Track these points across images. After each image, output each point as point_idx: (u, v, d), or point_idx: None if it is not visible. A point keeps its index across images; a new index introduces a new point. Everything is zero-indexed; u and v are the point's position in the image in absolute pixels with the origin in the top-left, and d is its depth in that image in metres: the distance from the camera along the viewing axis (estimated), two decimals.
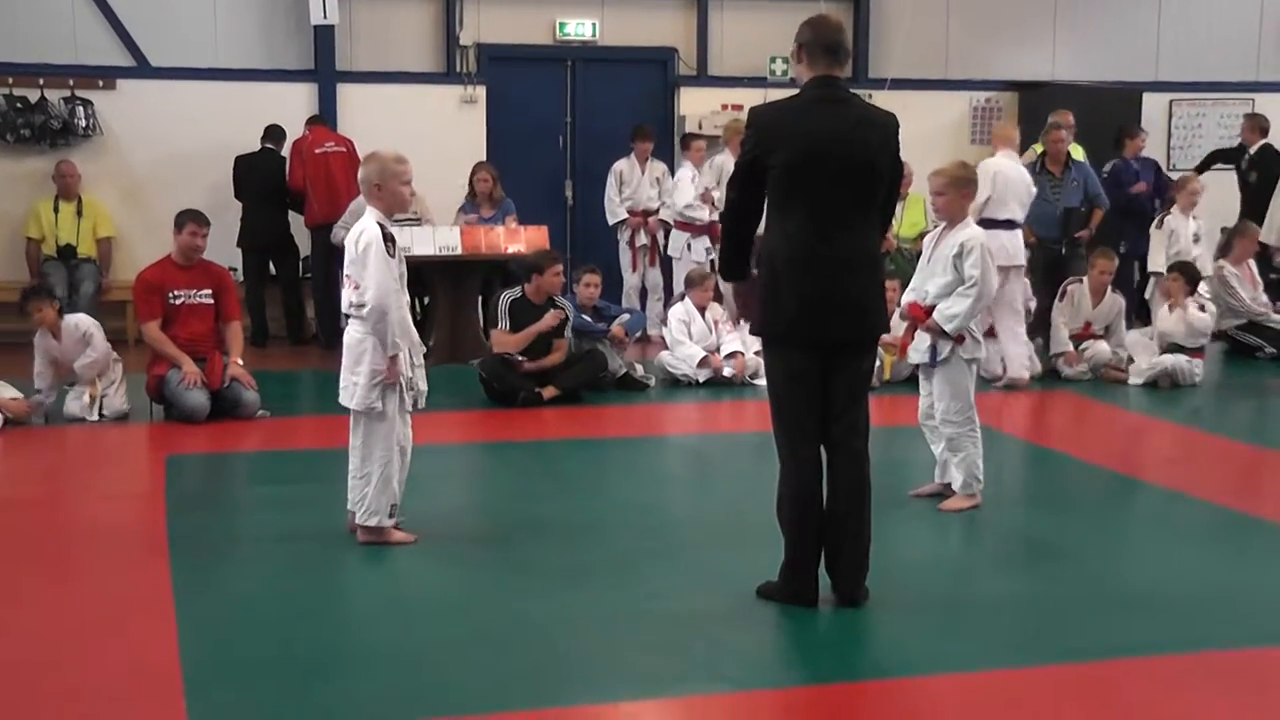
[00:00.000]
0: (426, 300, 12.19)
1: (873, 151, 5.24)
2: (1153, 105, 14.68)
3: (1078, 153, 12.44)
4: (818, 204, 5.18)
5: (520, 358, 9.81)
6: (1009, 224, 10.51)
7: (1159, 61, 14.95)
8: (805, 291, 5.20)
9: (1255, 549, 6.49)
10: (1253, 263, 12.38)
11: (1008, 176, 10.59)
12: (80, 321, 9.45)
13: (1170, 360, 10.58)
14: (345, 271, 6.31)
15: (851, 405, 5.33)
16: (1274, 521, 6.87)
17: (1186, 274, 10.92)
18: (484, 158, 13.13)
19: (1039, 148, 12.15)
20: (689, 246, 12.53)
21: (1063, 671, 4.84)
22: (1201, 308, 10.77)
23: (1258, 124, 13.45)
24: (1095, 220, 11.96)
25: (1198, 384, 10.65)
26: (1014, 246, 10.52)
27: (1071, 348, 10.87)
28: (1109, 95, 14.17)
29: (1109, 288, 11.04)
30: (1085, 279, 11.04)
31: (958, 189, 6.79)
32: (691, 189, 12.44)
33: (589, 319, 10.49)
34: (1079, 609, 5.49)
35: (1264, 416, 10.38)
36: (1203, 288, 11.07)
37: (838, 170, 5.17)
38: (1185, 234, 11.72)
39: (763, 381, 10.33)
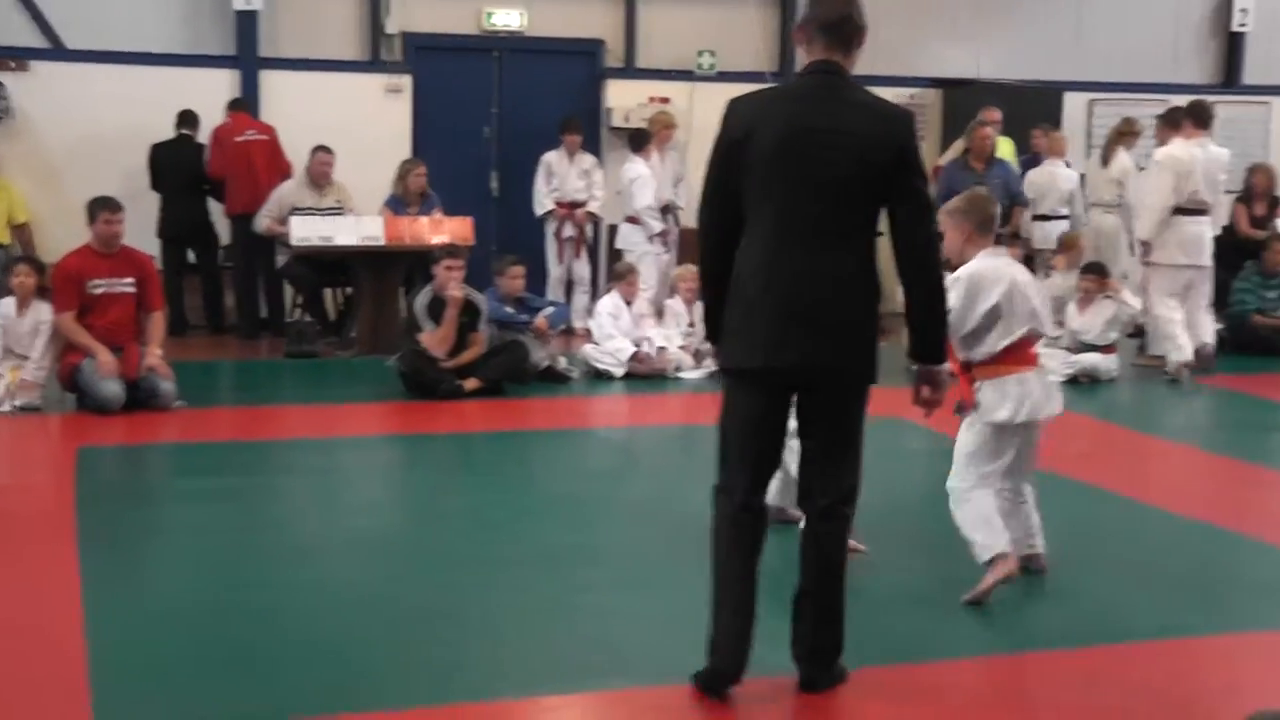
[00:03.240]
0: (349, 291, 12.09)
1: (865, 146, 4.30)
2: (1073, 104, 14.83)
3: (1006, 149, 12.54)
4: (792, 204, 4.32)
5: (442, 357, 9.72)
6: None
7: (1080, 62, 15.10)
8: (767, 308, 4.33)
9: (1157, 539, 6.59)
10: None
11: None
12: (45, 310, 9.30)
13: (1088, 359, 10.72)
14: None
15: (831, 457, 4.45)
16: (1169, 511, 7.00)
17: (1098, 272, 11.08)
18: (409, 147, 13.04)
19: (962, 144, 12.24)
20: (649, 240, 12.34)
21: (975, 665, 4.90)
22: (1131, 309, 10.93)
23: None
24: (1016, 218, 12.05)
25: (1115, 379, 10.78)
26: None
27: None
28: (1031, 94, 14.30)
29: None
30: None
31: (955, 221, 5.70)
32: (651, 189, 12.27)
33: (512, 311, 10.42)
34: (994, 603, 5.52)
35: (1174, 410, 10.52)
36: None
37: (818, 164, 4.29)
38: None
39: (688, 374, 10.46)
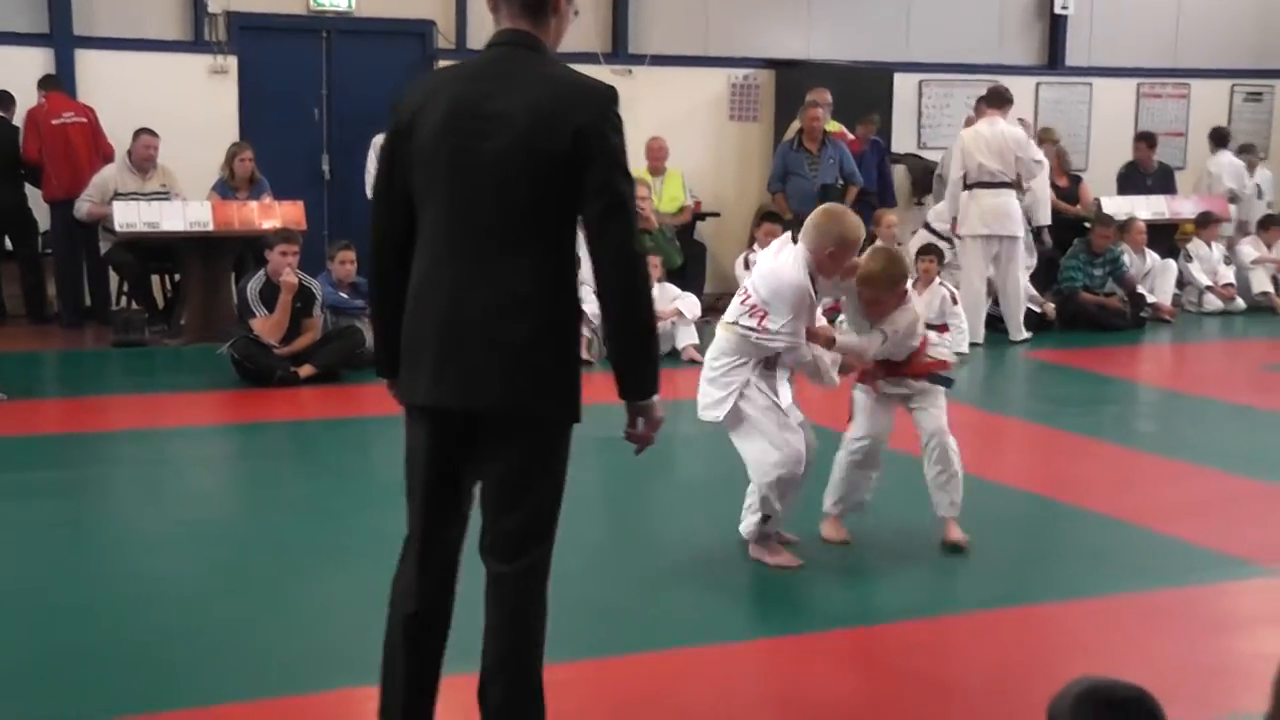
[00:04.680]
0: (177, 277, 11.81)
1: (534, 130, 3.43)
2: (903, 85, 15.05)
3: (834, 129, 12.73)
4: (453, 205, 3.53)
5: (276, 344, 9.54)
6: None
7: (909, 42, 15.34)
8: (425, 334, 3.56)
9: (990, 511, 6.71)
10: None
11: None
12: None
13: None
14: (752, 291, 5.58)
15: (507, 513, 3.58)
16: (1006, 484, 7.14)
17: (938, 255, 11.31)
18: (236, 130, 12.73)
19: (797, 125, 12.37)
20: None
21: (808, 640, 4.96)
22: (954, 298, 11.15)
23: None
24: (850, 197, 12.24)
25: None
26: None
27: (826, 323, 11.09)
28: (862, 74, 14.47)
29: None
30: None
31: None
32: None
33: (345, 296, 10.27)
34: (819, 577, 5.58)
35: (1007, 386, 10.77)
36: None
37: (479, 155, 3.47)
38: None
39: None
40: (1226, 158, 14.96)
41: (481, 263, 3.50)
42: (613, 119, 3.49)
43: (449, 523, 3.70)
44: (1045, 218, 12.23)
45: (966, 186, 11.57)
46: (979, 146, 11.54)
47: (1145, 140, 14.84)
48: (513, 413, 3.54)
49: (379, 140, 12.48)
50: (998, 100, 11.76)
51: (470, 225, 3.51)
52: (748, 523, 5.75)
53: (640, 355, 3.58)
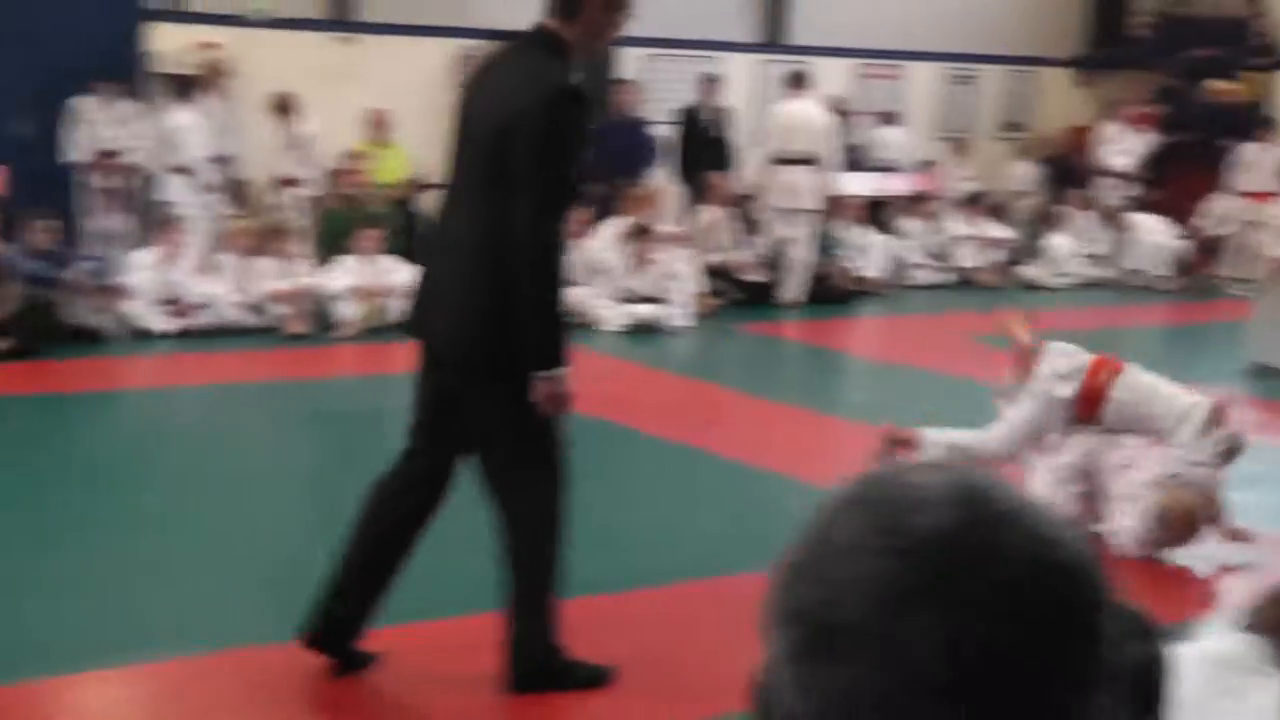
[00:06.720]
0: None
1: (498, 116, 3.93)
2: (626, 60, 15.07)
3: None
4: (454, 175, 4.18)
5: None
6: None
7: (638, 19, 15.33)
8: (420, 278, 4.32)
9: (703, 482, 6.80)
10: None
11: None
12: None
13: (644, 310, 10.99)
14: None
15: (484, 450, 4.11)
16: (717, 454, 7.24)
17: (648, 234, 11.41)
18: None
19: None
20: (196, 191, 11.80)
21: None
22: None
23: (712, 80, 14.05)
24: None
25: (672, 330, 11.06)
26: None
27: None
28: None
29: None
30: None
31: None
32: (198, 137, 11.73)
33: (43, 266, 9.80)
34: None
35: (721, 356, 10.91)
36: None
37: (469, 135, 4.07)
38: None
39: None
40: (892, 134, 16.09)
41: (461, 225, 4.06)
42: (548, 107, 3.88)
43: (436, 443, 4.15)
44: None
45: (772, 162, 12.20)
46: (779, 124, 12.20)
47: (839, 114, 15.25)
48: (453, 358, 4.05)
49: (81, 104, 12.08)
50: (795, 81, 12.47)
51: (459, 192, 4.13)
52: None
53: (538, 326, 3.94)
